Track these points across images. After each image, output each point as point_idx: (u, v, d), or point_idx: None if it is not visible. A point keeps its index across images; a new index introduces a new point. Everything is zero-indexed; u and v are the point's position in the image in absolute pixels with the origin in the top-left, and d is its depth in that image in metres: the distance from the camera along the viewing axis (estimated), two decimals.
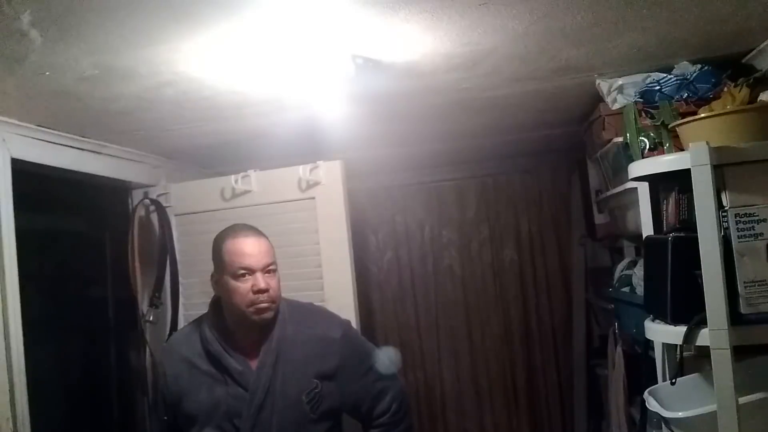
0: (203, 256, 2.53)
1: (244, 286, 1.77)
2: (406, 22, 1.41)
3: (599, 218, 2.95)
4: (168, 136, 2.32)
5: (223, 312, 1.87)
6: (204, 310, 2.00)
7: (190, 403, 1.81)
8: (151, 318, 2.46)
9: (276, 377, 1.80)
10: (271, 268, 1.81)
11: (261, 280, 1.77)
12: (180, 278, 2.54)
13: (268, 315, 1.80)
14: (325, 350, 1.87)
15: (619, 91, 1.98)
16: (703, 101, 1.84)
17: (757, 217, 1.38)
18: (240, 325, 1.84)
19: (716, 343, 1.36)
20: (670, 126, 1.81)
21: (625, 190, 2.08)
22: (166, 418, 1.91)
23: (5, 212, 1.81)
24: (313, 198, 2.43)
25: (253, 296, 1.77)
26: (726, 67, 1.87)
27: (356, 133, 2.55)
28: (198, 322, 1.94)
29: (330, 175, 2.42)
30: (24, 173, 1.90)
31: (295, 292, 2.31)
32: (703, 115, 1.59)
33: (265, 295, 1.77)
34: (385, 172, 3.66)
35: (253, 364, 1.81)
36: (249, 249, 1.79)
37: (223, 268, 1.82)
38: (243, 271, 1.77)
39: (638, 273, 2.12)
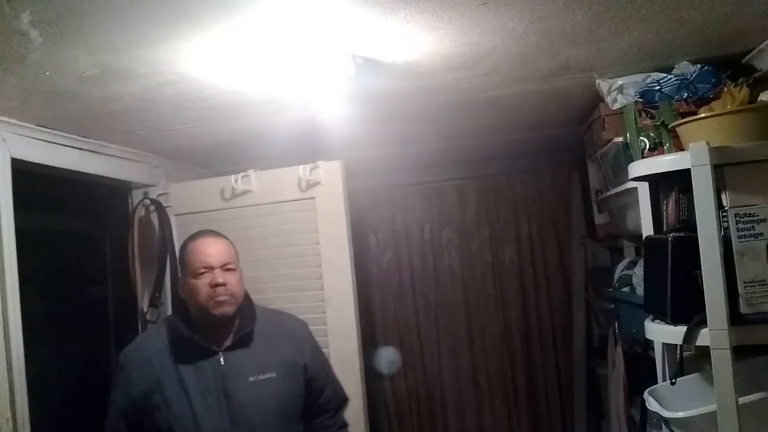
0: None
1: (203, 282, 1.85)
2: (406, 22, 1.41)
3: (599, 218, 2.96)
4: (168, 136, 2.32)
5: (189, 313, 1.92)
6: None
7: (164, 394, 1.83)
8: (151, 317, 2.46)
9: (243, 358, 1.87)
10: (229, 266, 1.89)
11: (219, 276, 1.86)
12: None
13: (227, 309, 1.87)
14: (294, 344, 1.97)
15: (619, 91, 1.98)
16: (703, 101, 1.84)
17: (757, 217, 1.38)
18: (205, 321, 1.89)
19: (716, 343, 1.36)
20: (670, 126, 1.81)
21: (625, 190, 2.09)
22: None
23: (5, 212, 1.82)
24: (313, 198, 2.44)
25: (211, 290, 1.85)
26: (726, 67, 1.87)
27: (356, 133, 2.55)
28: (159, 325, 2.02)
29: (330, 175, 2.42)
30: (24, 173, 1.90)
31: (295, 292, 2.31)
32: (703, 115, 1.59)
33: (223, 288, 1.85)
34: (385, 172, 3.66)
35: (222, 347, 1.88)
36: (207, 248, 1.90)
37: (186, 270, 1.91)
38: (203, 269, 1.86)
39: (638, 273, 2.12)
